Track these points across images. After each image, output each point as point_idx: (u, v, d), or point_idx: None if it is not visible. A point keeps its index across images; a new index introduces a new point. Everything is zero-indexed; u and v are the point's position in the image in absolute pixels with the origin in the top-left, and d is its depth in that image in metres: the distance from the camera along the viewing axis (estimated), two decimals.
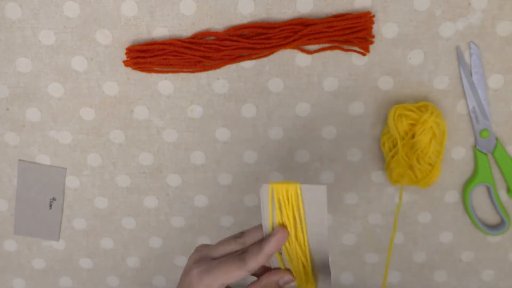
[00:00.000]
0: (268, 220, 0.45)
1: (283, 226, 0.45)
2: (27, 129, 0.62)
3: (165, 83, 0.59)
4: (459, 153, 0.61)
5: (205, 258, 0.47)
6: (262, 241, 0.45)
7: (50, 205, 0.65)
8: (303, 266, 0.46)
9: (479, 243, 0.66)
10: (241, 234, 0.48)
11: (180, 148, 0.62)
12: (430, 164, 0.58)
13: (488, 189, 0.63)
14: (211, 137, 0.62)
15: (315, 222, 0.44)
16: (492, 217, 0.65)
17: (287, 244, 0.45)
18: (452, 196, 0.64)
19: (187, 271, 0.47)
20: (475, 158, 0.61)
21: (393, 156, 0.58)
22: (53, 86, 0.60)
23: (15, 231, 0.67)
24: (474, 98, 0.58)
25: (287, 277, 0.46)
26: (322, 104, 0.60)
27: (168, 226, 0.66)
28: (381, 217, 0.65)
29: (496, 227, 0.64)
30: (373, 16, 0.55)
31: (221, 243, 0.48)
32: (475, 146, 0.61)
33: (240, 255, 0.45)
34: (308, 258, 0.46)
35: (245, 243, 0.47)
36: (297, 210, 0.44)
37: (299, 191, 0.43)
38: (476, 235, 0.65)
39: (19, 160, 0.64)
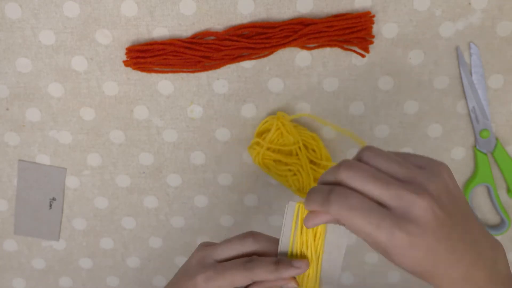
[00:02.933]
0: (289, 238, 0.45)
1: (306, 260, 0.44)
2: (27, 129, 0.62)
3: (165, 83, 0.59)
4: (459, 153, 0.61)
5: (208, 260, 0.47)
6: (279, 263, 0.44)
7: (50, 205, 0.65)
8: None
9: None
10: (247, 236, 0.47)
11: (180, 148, 0.62)
12: None
13: (488, 189, 0.63)
14: (211, 137, 0.62)
15: (332, 253, 0.44)
16: (492, 217, 0.65)
17: None
18: None
19: (191, 272, 0.47)
20: (475, 158, 0.61)
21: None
22: (53, 86, 0.60)
23: (15, 231, 0.67)
24: (474, 98, 0.58)
25: (291, 284, 0.45)
26: (322, 104, 0.60)
27: (168, 226, 0.66)
28: None
29: (496, 227, 0.64)
30: (373, 16, 0.55)
31: (225, 244, 0.47)
32: (475, 146, 0.61)
33: (248, 263, 0.45)
34: (318, 280, 0.46)
35: (251, 248, 0.46)
36: (317, 236, 0.44)
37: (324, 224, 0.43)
38: None
39: (19, 160, 0.64)
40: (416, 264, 0.35)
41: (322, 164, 0.58)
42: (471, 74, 0.57)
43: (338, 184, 0.37)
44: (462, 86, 0.59)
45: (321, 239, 0.44)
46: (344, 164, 0.37)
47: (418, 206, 0.33)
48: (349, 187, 0.36)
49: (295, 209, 0.44)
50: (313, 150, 0.58)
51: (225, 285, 0.45)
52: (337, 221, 0.37)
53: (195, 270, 0.46)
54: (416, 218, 0.34)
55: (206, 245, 0.48)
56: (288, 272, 0.43)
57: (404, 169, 0.35)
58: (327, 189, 0.37)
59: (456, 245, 0.35)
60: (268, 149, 0.57)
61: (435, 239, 0.34)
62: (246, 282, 0.45)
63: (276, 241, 0.46)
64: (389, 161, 0.36)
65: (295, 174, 0.58)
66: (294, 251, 0.45)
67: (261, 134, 0.59)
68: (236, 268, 0.45)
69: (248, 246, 0.46)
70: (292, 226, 0.44)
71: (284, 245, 0.45)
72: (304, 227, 0.44)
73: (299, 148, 0.57)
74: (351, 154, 0.62)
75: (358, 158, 0.38)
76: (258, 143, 0.58)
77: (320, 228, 0.43)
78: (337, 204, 0.35)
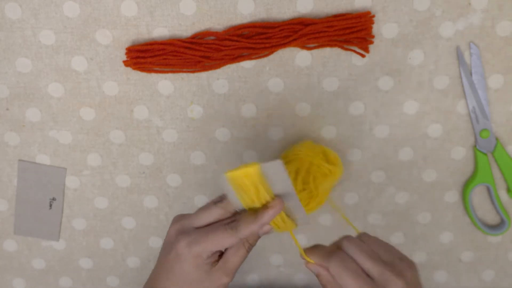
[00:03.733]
0: (242, 205, 0.47)
1: (278, 199, 0.46)
2: (27, 129, 0.62)
3: (165, 83, 0.59)
4: (459, 153, 0.61)
5: (188, 228, 0.48)
6: (258, 213, 0.46)
7: (50, 205, 0.65)
8: (281, 221, 0.49)
9: (479, 243, 0.66)
10: (221, 198, 0.49)
11: (180, 148, 0.62)
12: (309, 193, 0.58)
13: (488, 189, 0.63)
14: (211, 137, 0.62)
15: (282, 184, 0.46)
16: (492, 217, 0.65)
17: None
18: (452, 196, 0.64)
19: (171, 243, 0.48)
20: (475, 158, 0.61)
21: None
22: (53, 86, 0.60)
23: (15, 231, 0.67)
24: (474, 98, 0.58)
25: (266, 227, 0.48)
26: (322, 104, 0.60)
27: (168, 226, 0.66)
28: (381, 217, 0.65)
29: (496, 227, 0.64)
30: (373, 16, 0.55)
31: (202, 210, 0.49)
32: (475, 146, 0.61)
33: (231, 223, 0.47)
34: (285, 217, 0.48)
35: (227, 208, 0.48)
36: (263, 187, 0.45)
37: (259, 171, 0.45)
38: (476, 235, 0.65)
39: (19, 160, 0.64)
40: None
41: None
42: (471, 74, 0.57)
43: (339, 249, 0.47)
44: (462, 86, 0.59)
45: (264, 185, 0.45)
46: (347, 237, 0.47)
47: (396, 284, 0.44)
48: (347, 254, 0.46)
49: (228, 179, 0.45)
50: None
51: (210, 247, 0.46)
52: (331, 276, 0.46)
53: (175, 239, 0.48)
54: None
55: (181, 216, 0.50)
56: (268, 214, 0.46)
57: (390, 255, 0.46)
58: (330, 249, 0.47)
59: None
60: None
61: None
62: (233, 241, 0.46)
63: None
64: (379, 247, 0.47)
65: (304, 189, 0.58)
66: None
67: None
68: (221, 229, 0.47)
69: (223, 207, 0.48)
70: (237, 195, 0.46)
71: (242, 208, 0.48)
72: (245, 189, 0.46)
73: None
74: (351, 154, 0.62)
75: (358, 238, 0.48)
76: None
77: (255, 179, 0.45)
78: (337, 262, 0.45)
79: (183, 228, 0.49)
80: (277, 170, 0.45)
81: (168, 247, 0.49)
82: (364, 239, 0.48)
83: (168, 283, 0.49)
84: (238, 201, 0.47)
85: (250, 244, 0.49)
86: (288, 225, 0.49)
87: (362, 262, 0.45)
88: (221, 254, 0.49)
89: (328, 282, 0.46)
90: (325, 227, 0.66)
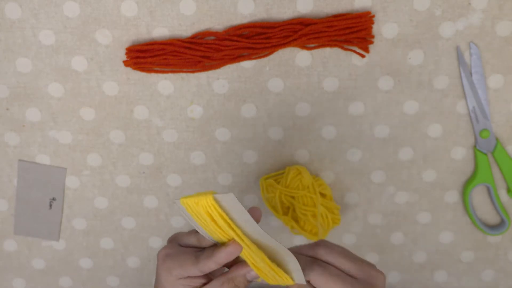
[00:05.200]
0: (206, 232, 0.44)
1: (235, 241, 0.43)
2: (27, 129, 0.62)
3: (165, 83, 0.59)
4: (459, 153, 0.61)
5: (174, 243, 0.48)
6: (214, 249, 0.44)
7: (50, 205, 0.65)
8: (266, 263, 0.46)
9: (479, 243, 0.66)
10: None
11: (180, 148, 0.62)
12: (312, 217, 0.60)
13: (488, 189, 0.63)
14: (211, 137, 0.62)
15: (245, 222, 0.43)
16: (492, 217, 0.65)
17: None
18: (452, 196, 0.64)
19: (160, 250, 0.49)
20: (475, 158, 0.61)
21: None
22: (53, 86, 0.60)
23: (15, 231, 0.67)
24: (474, 98, 0.58)
25: (253, 272, 0.46)
26: (322, 104, 0.60)
27: (168, 226, 0.66)
28: (381, 217, 0.65)
29: (496, 227, 0.64)
30: (373, 16, 0.55)
31: (190, 232, 0.48)
32: (475, 146, 0.61)
33: (197, 253, 0.46)
34: (261, 256, 0.45)
35: (199, 240, 0.47)
36: (225, 221, 0.42)
37: (214, 202, 0.41)
38: (476, 235, 0.65)
39: (19, 160, 0.64)
40: None
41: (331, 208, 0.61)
42: (471, 74, 0.57)
43: (315, 258, 0.46)
44: (462, 86, 0.59)
45: (226, 219, 0.42)
46: (322, 244, 0.47)
47: (380, 279, 0.45)
48: (325, 261, 0.46)
49: (185, 206, 0.43)
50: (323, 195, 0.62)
51: (175, 268, 0.46)
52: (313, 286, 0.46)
53: (163, 247, 0.49)
54: (378, 286, 0.45)
55: (178, 233, 0.50)
56: (220, 254, 0.44)
57: (354, 254, 0.47)
58: (310, 260, 0.46)
59: None
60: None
61: None
62: (194, 271, 0.45)
63: None
64: (350, 253, 0.47)
65: (314, 215, 0.60)
66: (220, 240, 0.44)
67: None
68: (189, 255, 0.46)
69: (198, 238, 0.47)
70: (197, 220, 0.43)
71: (211, 238, 0.45)
72: (202, 220, 0.43)
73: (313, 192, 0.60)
74: (351, 154, 0.62)
75: (323, 244, 0.48)
76: (272, 185, 0.61)
77: (211, 210, 0.41)
78: (319, 271, 0.44)
79: (172, 239, 0.49)
80: (232, 203, 0.41)
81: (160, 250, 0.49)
82: (328, 244, 0.47)
83: None
84: (204, 231, 0.44)
85: (235, 285, 0.46)
86: (281, 278, 0.46)
87: (340, 264, 0.45)
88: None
89: None
90: None
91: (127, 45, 0.57)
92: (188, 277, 0.46)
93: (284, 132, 0.61)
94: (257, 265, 0.45)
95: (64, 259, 0.69)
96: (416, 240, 0.66)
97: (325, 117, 0.60)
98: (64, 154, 0.63)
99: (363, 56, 0.57)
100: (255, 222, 0.42)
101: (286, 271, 0.46)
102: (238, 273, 0.46)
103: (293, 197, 0.60)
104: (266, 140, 0.62)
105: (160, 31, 0.57)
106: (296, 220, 0.62)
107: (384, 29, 0.56)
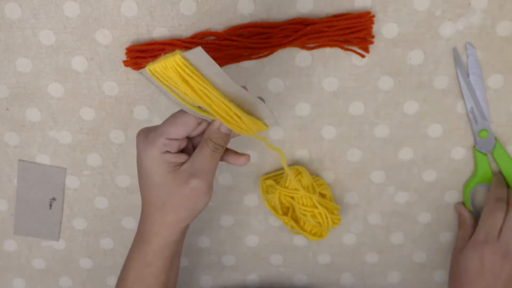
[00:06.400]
0: (177, 100, 0.43)
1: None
2: (27, 129, 0.62)
3: None
4: (459, 153, 0.61)
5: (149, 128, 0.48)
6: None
7: (50, 205, 0.65)
8: (236, 116, 0.45)
9: None
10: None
11: None
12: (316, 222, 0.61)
13: (488, 189, 0.63)
14: None
15: (216, 75, 0.41)
16: None
17: (209, 105, 0.43)
18: (452, 196, 0.64)
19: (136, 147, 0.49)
20: (475, 158, 0.61)
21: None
22: (53, 86, 0.60)
23: (15, 231, 0.67)
24: (472, 99, 0.58)
25: (223, 125, 0.46)
26: (322, 104, 0.60)
27: None
28: (381, 217, 0.65)
29: None
30: (373, 16, 0.55)
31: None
32: (474, 146, 0.61)
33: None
34: (232, 107, 0.43)
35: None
36: (194, 73, 0.40)
37: (182, 61, 0.39)
38: None
39: (19, 160, 0.63)
40: None
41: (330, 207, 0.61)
42: (468, 75, 0.57)
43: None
44: (460, 87, 0.59)
45: (195, 75, 0.40)
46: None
47: None
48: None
49: (152, 74, 0.40)
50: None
51: (164, 130, 0.46)
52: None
53: (136, 139, 0.49)
54: None
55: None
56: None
57: None
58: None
59: None
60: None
61: None
62: (188, 119, 0.45)
63: None
64: None
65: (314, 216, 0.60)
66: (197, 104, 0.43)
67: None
68: (177, 113, 0.46)
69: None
70: (168, 89, 0.42)
71: (186, 108, 0.44)
72: (173, 81, 0.40)
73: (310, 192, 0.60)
74: (351, 154, 0.62)
75: None
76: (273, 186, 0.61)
77: (185, 69, 0.39)
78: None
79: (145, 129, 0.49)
80: (201, 58, 0.39)
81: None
82: None
83: (143, 192, 0.49)
84: (175, 98, 0.42)
85: (214, 143, 0.46)
86: (255, 126, 0.45)
87: None
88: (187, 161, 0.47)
89: (464, 223, 0.60)
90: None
91: (127, 45, 0.57)
92: (171, 139, 0.46)
93: (284, 132, 0.61)
94: (227, 117, 0.44)
95: (64, 259, 0.68)
96: (416, 240, 0.66)
97: (325, 117, 0.60)
98: (64, 154, 0.63)
99: (363, 56, 0.57)
100: (225, 74, 0.40)
101: (259, 118, 0.45)
102: (211, 129, 0.46)
103: (292, 198, 0.60)
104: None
105: (160, 31, 0.57)
106: (296, 220, 0.62)
107: (384, 29, 0.56)
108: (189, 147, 0.49)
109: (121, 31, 0.57)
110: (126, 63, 0.57)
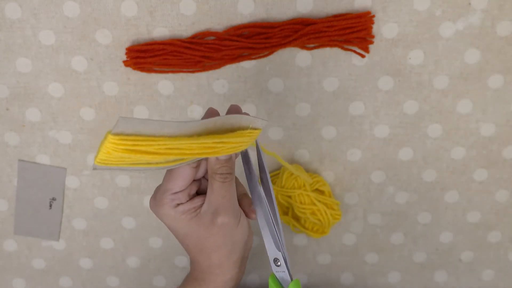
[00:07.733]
0: (143, 167, 0.40)
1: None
2: (27, 129, 0.62)
3: (165, 83, 0.59)
4: (459, 153, 0.61)
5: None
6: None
7: (50, 205, 0.65)
8: (217, 143, 0.43)
9: (479, 243, 0.66)
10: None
11: None
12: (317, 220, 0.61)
13: None
14: None
15: (164, 127, 0.38)
16: None
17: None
18: (452, 196, 0.64)
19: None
20: None
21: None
22: (53, 86, 0.60)
23: (15, 231, 0.67)
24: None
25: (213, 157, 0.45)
26: (322, 104, 0.60)
27: None
28: (381, 217, 0.65)
29: None
30: (373, 16, 0.55)
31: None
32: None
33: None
34: (206, 139, 0.42)
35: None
36: (138, 140, 0.37)
37: (116, 137, 0.36)
38: (476, 235, 0.65)
39: (19, 160, 0.64)
40: None
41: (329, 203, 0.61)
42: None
43: None
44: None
45: (142, 142, 0.37)
46: None
47: None
48: None
49: (104, 164, 0.38)
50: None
51: (170, 186, 0.45)
52: None
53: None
54: None
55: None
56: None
57: None
58: None
59: None
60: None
61: None
62: (189, 170, 0.45)
63: None
64: None
65: (314, 213, 0.60)
66: None
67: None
68: (181, 168, 0.45)
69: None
70: (125, 166, 0.39)
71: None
72: (126, 158, 0.38)
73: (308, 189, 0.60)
74: (351, 154, 0.62)
75: None
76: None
77: (125, 143, 0.37)
78: None
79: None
80: (132, 123, 0.36)
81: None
82: None
83: (183, 245, 0.48)
84: (140, 167, 0.40)
85: (220, 174, 0.45)
86: (243, 137, 0.44)
87: None
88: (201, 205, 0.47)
89: None
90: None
91: (127, 45, 0.57)
92: (176, 193, 0.45)
93: (284, 132, 0.61)
94: (209, 150, 0.42)
95: (64, 259, 0.69)
96: (416, 240, 0.66)
97: (325, 117, 0.60)
98: (64, 154, 0.63)
99: (363, 56, 0.57)
100: (172, 121, 0.38)
101: (244, 128, 0.44)
102: (210, 163, 0.45)
103: (289, 197, 0.60)
104: (266, 140, 0.61)
105: (160, 31, 0.57)
106: (296, 219, 0.62)
107: (384, 29, 0.56)
108: (204, 186, 0.48)
109: (121, 31, 0.57)
110: (126, 63, 0.57)
